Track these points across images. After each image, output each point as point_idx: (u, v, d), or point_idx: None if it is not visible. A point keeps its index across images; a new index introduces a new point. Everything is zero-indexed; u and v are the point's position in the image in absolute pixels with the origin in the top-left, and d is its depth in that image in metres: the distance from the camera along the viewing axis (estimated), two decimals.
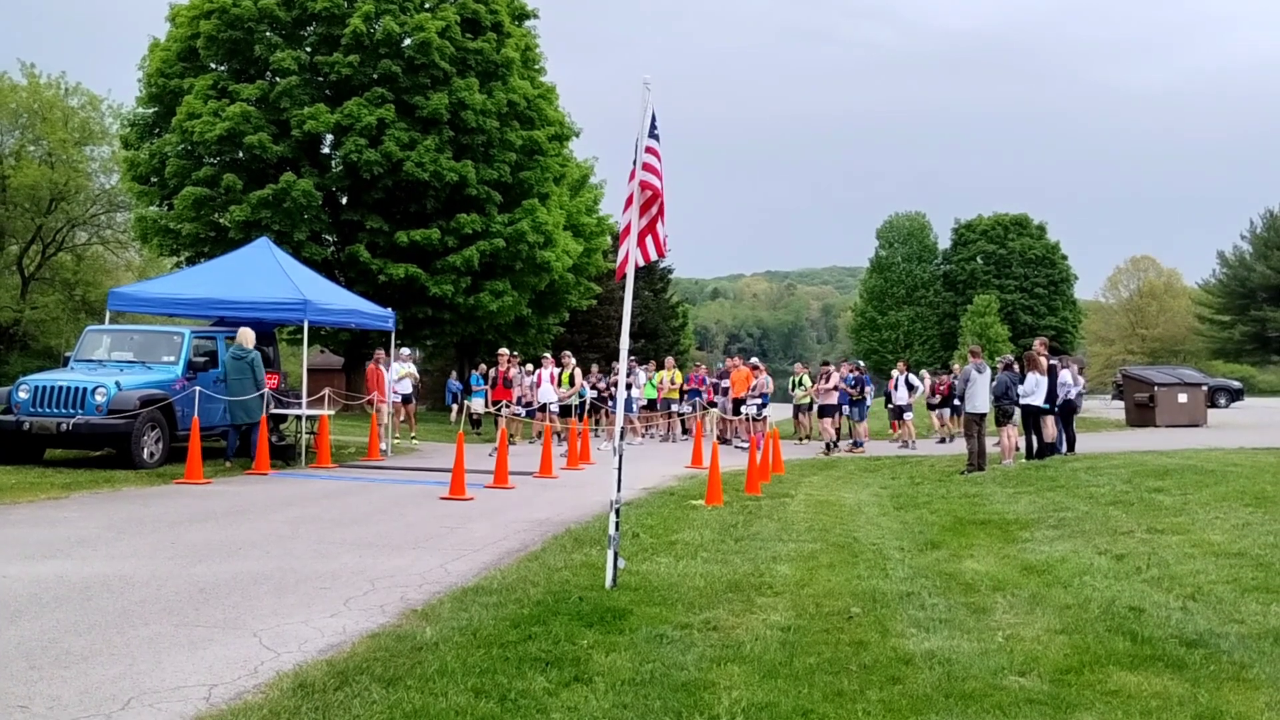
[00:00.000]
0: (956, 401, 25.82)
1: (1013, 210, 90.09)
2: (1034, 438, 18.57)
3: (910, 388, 25.56)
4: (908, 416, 24.90)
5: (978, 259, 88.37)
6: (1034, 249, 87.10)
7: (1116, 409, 37.91)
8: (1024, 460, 18.17)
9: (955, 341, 75.64)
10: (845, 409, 23.94)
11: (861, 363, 27.79)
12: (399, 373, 22.10)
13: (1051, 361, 18.96)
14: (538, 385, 22.67)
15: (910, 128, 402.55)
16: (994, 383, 17.86)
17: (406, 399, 23.28)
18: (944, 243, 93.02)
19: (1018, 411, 18.11)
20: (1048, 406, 18.30)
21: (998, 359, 19.36)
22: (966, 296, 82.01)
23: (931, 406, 27.06)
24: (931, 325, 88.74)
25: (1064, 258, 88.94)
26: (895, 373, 26.21)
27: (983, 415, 17.52)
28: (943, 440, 25.84)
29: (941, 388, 27.05)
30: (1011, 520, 11.38)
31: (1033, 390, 18.03)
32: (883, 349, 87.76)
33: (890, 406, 26.74)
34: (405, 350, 22.59)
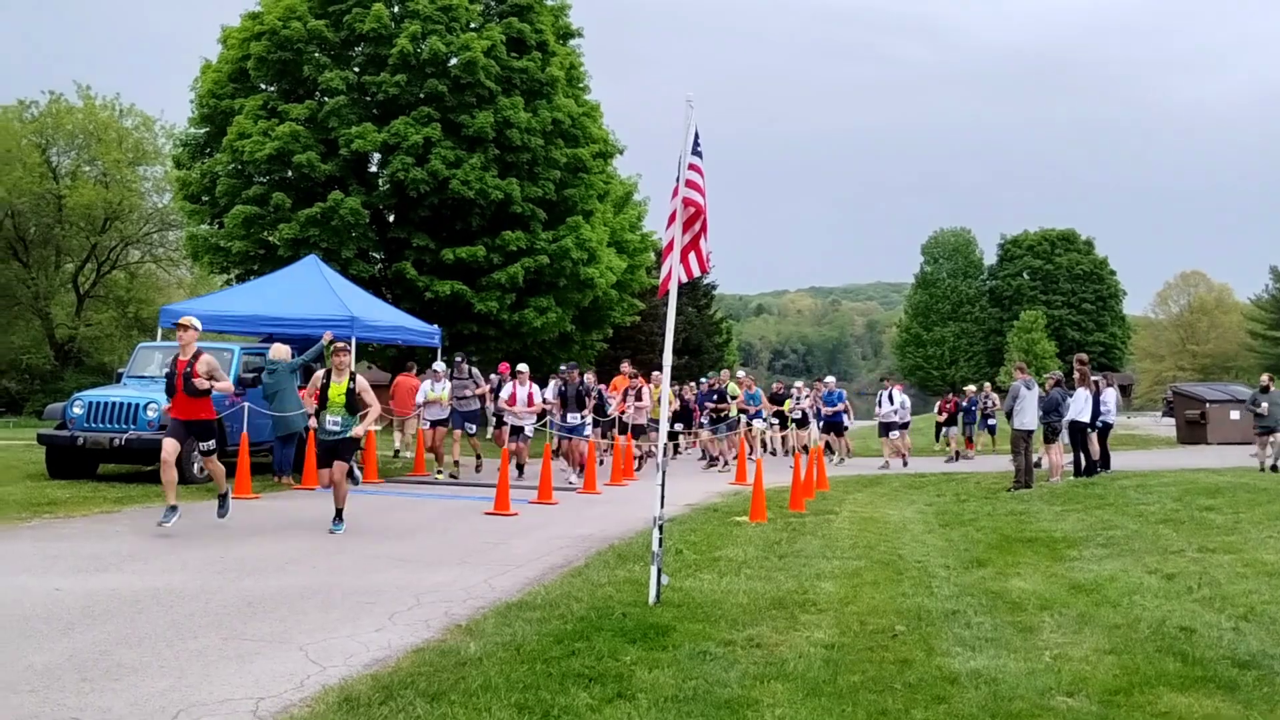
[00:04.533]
0: (995, 420, 25.75)
1: (1060, 225, 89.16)
2: (1081, 455, 18.36)
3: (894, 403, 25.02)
4: (893, 435, 24.35)
5: (1024, 274, 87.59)
6: (1081, 264, 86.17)
7: (1167, 426, 37.39)
8: (1071, 477, 17.96)
9: (1001, 358, 75.06)
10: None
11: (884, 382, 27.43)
12: (429, 394, 18.14)
13: (1094, 378, 18.78)
14: (511, 402, 17.99)
15: (955, 143, 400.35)
16: (1043, 399, 17.68)
17: (438, 423, 18.40)
18: (990, 258, 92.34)
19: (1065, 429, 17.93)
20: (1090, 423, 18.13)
21: (1045, 375, 19.18)
22: (1013, 312, 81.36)
23: (939, 425, 27.00)
24: (977, 341, 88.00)
25: (1112, 273, 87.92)
26: (882, 389, 25.67)
27: (1030, 432, 17.34)
28: (950, 459, 25.56)
29: (948, 405, 26.86)
30: (1059, 538, 11.26)
31: (1082, 407, 17.84)
32: (928, 365, 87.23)
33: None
34: (439, 366, 18.71)
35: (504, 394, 18.42)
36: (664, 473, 7.92)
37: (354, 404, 11.29)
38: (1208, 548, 10.24)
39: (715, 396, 23.81)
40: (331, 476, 11.36)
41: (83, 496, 13.01)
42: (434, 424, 18.38)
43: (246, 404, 15.30)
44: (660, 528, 7.66)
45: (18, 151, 44.49)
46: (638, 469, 20.23)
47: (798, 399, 25.99)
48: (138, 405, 14.60)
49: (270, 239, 28.62)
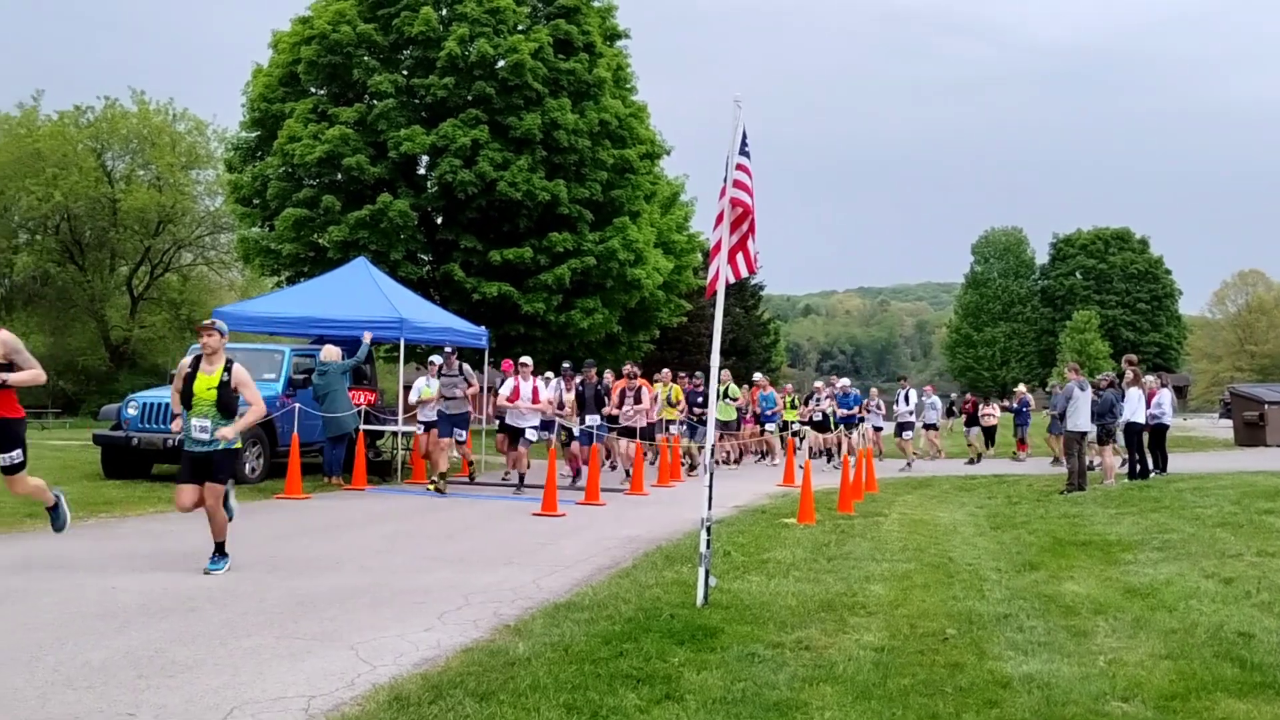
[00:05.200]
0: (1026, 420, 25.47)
1: (1113, 224, 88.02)
2: (1136, 457, 18.10)
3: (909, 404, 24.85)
4: (905, 435, 24.17)
5: (1077, 274, 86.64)
6: (1136, 264, 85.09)
7: (1224, 428, 36.78)
8: (1126, 480, 17.72)
9: (1053, 358, 74.24)
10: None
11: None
12: (423, 392, 16.46)
13: (1145, 379, 18.55)
14: (513, 398, 16.15)
15: (1006, 142, 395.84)
16: (1096, 401, 17.45)
17: (431, 425, 16.45)
18: (1041, 257, 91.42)
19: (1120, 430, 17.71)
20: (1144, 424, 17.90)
21: (1098, 376, 18.94)
22: (1065, 313, 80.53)
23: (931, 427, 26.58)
24: (1029, 342, 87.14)
25: (1168, 272, 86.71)
26: (899, 389, 25.50)
27: (1083, 434, 17.11)
28: (971, 461, 25.25)
29: (967, 406, 26.53)
30: (1113, 542, 11.09)
31: (1135, 408, 17.59)
32: (978, 366, 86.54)
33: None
34: (436, 359, 16.34)
35: (504, 390, 16.41)
36: (711, 474, 7.90)
37: (228, 402, 8.49)
38: (1267, 551, 10.05)
39: (701, 399, 21.18)
40: (202, 501, 8.58)
41: (137, 496, 13.20)
42: (427, 427, 16.54)
43: (297, 405, 15.46)
44: (708, 529, 7.64)
45: (74, 156, 45.29)
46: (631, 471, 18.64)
47: (817, 400, 24.95)
48: None
49: (320, 241, 28.92)
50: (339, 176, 28.77)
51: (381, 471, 16.97)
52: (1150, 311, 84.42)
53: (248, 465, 15.10)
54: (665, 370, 22.71)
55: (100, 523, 11.33)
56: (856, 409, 24.16)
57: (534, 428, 16.35)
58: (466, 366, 16.53)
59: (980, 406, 26.58)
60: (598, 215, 30.11)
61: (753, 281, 53.44)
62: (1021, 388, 28.38)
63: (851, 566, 9.39)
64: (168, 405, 14.97)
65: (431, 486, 15.31)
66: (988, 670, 5.95)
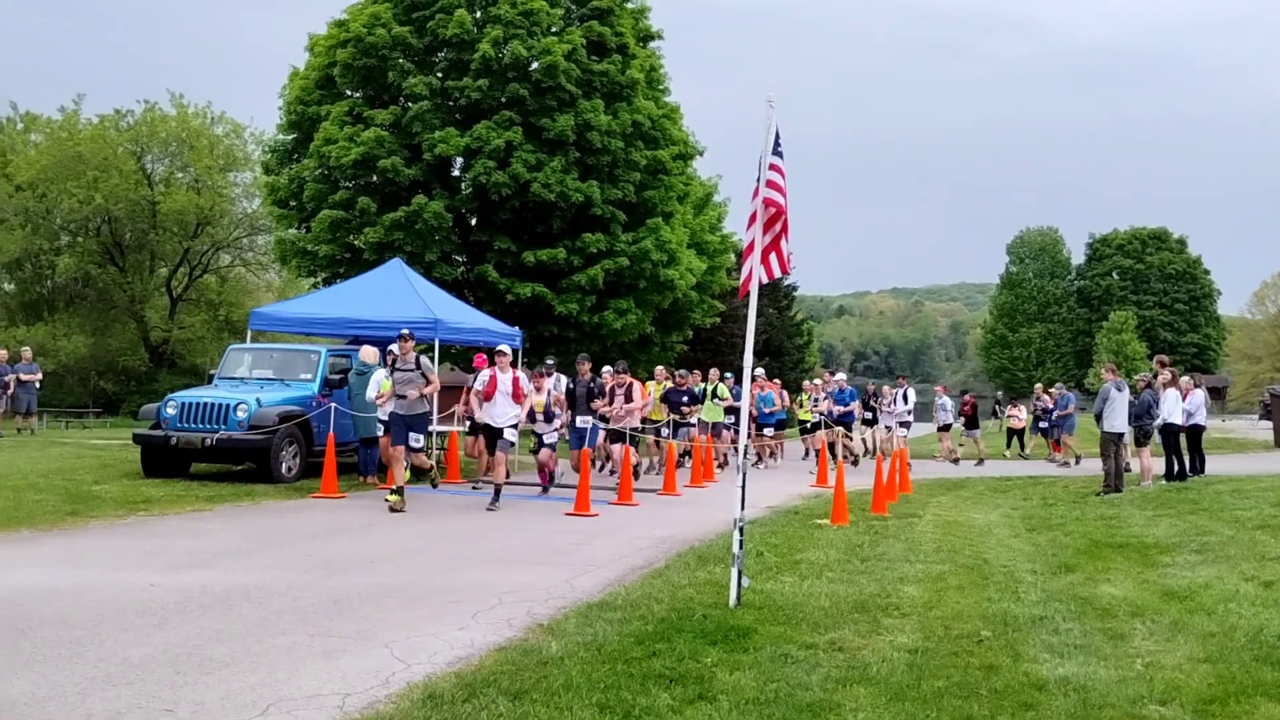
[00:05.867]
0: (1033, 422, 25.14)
1: (1150, 224, 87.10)
2: (1174, 459, 17.92)
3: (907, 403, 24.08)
4: (903, 434, 23.43)
5: (1114, 274, 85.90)
6: (1174, 264, 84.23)
7: (1264, 429, 36.31)
8: (1163, 482, 17.54)
9: (1090, 359, 73.64)
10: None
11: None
12: (382, 386, 14.17)
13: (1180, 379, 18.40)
14: (489, 393, 14.23)
15: (1042, 141, 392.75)
16: (1134, 402, 17.29)
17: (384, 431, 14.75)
18: (1078, 258, 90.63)
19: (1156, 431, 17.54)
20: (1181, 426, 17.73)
21: (1136, 377, 18.76)
22: (1101, 313, 79.87)
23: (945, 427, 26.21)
24: (1065, 342, 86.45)
25: (1206, 272, 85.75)
26: (894, 387, 24.63)
27: (1120, 435, 16.95)
28: (978, 463, 24.92)
29: (966, 408, 26.24)
30: (1150, 544, 10.99)
31: (1173, 409, 17.42)
32: (1013, 367, 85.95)
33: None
34: (394, 349, 14.02)
35: (478, 383, 14.58)
36: (744, 474, 7.89)
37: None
38: None
39: (686, 398, 19.83)
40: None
41: (176, 495, 13.34)
42: (387, 427, 14.39)
43: (333, 405, 15.57)
44: (741, 530, 7.63)
45: (114, 159, 45.82)
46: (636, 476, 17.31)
47: (815, 400, 23.67)
48: (228, 406, 14.93)
49: (356, 243, 29.08)
50: (374, 178, 28.91)
51: (416, 472, 17.04)
52: (1188, 312, 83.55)
53: (284, 464, 15.22)
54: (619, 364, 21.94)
55: (139, 521, 11.47)
56: (853, 404, 23.33)
57: (514, 427, 14.22)
58: (425, 360, 14.08)
59: (1007, 409, 26.33)
60: (631, 216, 30.10)
61: (786, 282, 53.24)
62: (1056, 389, 28.18)
63: (885, 568, 9.36)
64: (205, 405, 15.11)
65: (389, 503, 12.99)
66: (1023, 673, 5.92)
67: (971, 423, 26.25)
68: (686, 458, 19.74)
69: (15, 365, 23.78)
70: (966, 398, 27.21)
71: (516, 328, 20.97)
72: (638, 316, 30.80)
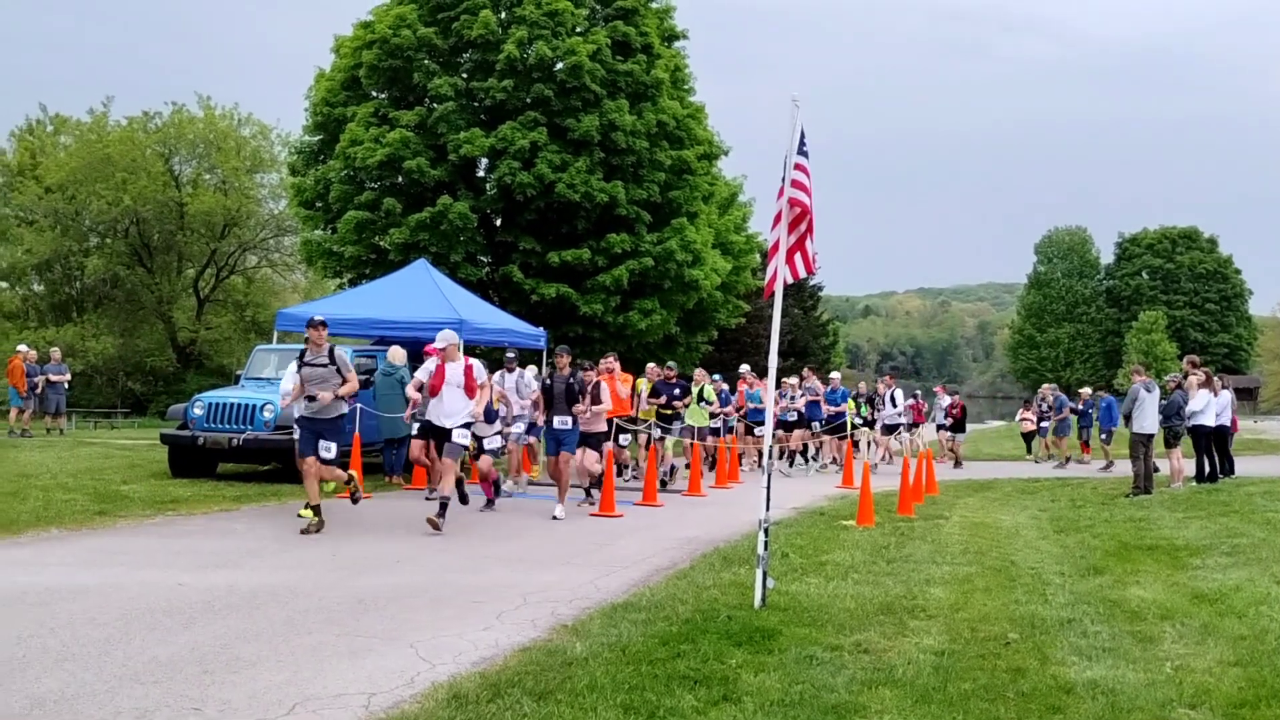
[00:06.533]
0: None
1: (1181, 223, 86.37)
2: (1205, 460, 17.75)
3: (894, 403, 23.53)
4: (891, 437, 23.33)
5: (1143, 274, 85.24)
6: (1204, 263, 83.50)
7: None
8: (1193, 483, 17.37)
9: (1119, 360, 73.09)
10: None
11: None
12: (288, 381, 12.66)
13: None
14: (435, 387, 12.06)
15: (1069, 141, 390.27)
16: (1164, 402, 17.14)
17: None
18: (1106, 257, 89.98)
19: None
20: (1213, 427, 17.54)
21: (1165, 378, 18.60)
22: (1131, 313, 79.29)
23: (941, 428, 25.97)
24: (1093, 343, 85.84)
25: (1237, 272, 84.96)
26: (881, 387, 24.07)
27: (1150, 436, 16.81)
28: (957, 464, 24.73)
29: (955, 410, 26.03)
30: (1181, 546, 10.88)
31: (1202, 410, 17.25)
32: (1041, 367, 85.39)
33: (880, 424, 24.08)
34: (398, 351, 14.58)
35: (422, 372, 12.57)
36: (769, 475, 7.86)
37: None
38: None
39: (678, 390, 18.71)
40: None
41: (203, 495, 13.42)
42: (422, 429, 13.02)
43: (359, 406, 15.62)
44: (766, 531, 7.61)
45: (143, 161, 46.17)
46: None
47: (791, 398, 21.99)
48: (255, 406, 15.01)
49: (381, 244, 29.18)
50: (400, 179, 29.01)
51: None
52: (1219, 312, 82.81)
53: None
54: (701, 370, 21.26)
55: (167, 520, 11.54)
56: (844, 405, 22.61)
57: (465, 426, 12.16)
58: (343, 354, 11.68)
59: (1019, 411, 26.10)
60: (655, 216, 30.09)
61: (811, 282, 53.09)
62: (1085, 390, 28.01)
63: (911, 569, 9.31)
64: (232, 405, 15.18)
65: (303, 520, 11.16)
66: (1050, 676, 5.87)
67: (958, 425, 25.99)
68: (685, 466, 17.95)
69: (45, 366, 24.02)
70: (955, 399, 27.00)
71: (541, 328, 21.01)
72: (663, 317, 30.78)
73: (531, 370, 17.01)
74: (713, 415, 20.31)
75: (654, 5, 31.86)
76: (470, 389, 12.06)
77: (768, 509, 7.69)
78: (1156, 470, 17.92)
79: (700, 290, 31.60)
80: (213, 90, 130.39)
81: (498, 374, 15.32)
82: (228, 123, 49.24)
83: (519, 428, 15.79)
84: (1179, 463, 17.49)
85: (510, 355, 16.10)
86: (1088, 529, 12.54)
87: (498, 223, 30.64)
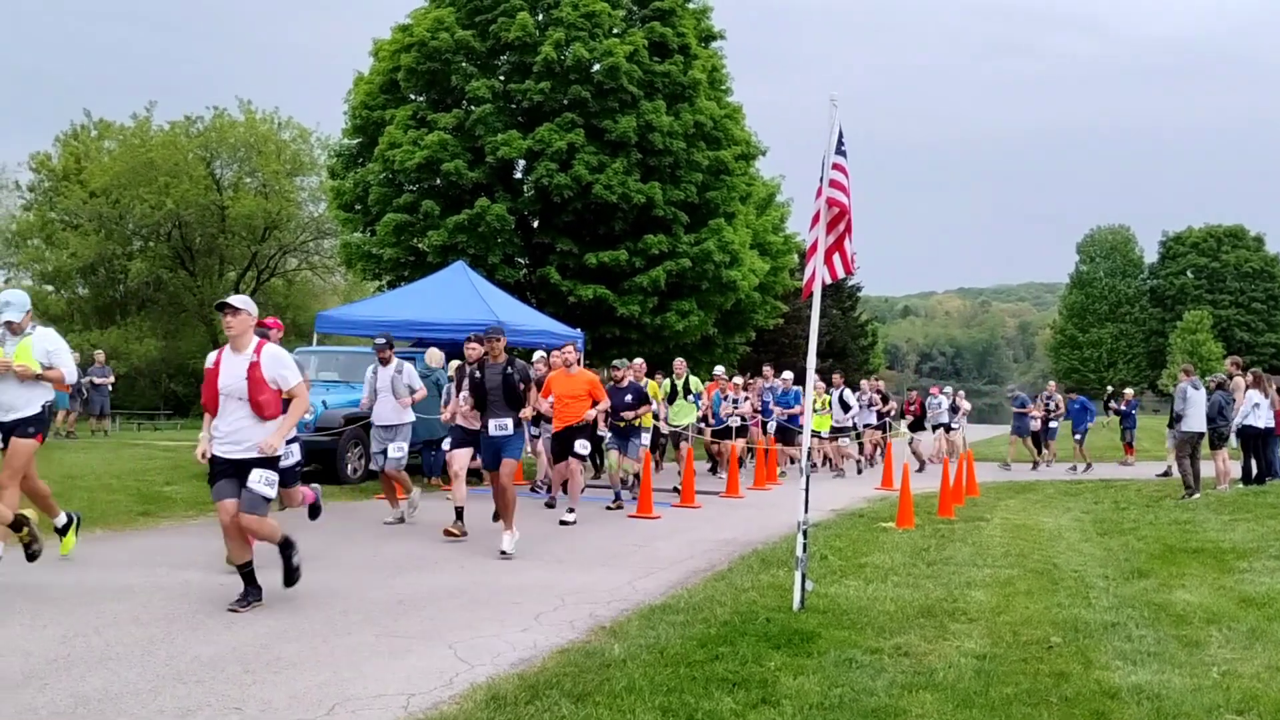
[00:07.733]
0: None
1: (1226, 221, 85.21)
2: (1253, 461, 17.48)
3: (845, 406, 23.22)
4: (843, 440, 22.96)
5: (1188, 273, 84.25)
6: (1250, 261, 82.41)
7: None
8: (1241, 485, 17.12)
9: (1163, 360, 72.27)
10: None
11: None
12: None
13: (1237, 379, 17.94)
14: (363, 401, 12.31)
15: (1112, 138, 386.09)
16: (1208, 403, 16.90)
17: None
18: (1150, 256, 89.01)
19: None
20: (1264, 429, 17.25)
21: (1209, 378, 18.35)
22: (1175, 313, 78.41)
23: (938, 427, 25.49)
24: (1137, 343, 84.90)
25: None
26: (834, 390, 23.45)
27: (1200, 435, 16.58)
28: (918, 469, 23.69)
29: (913, 407, 25.63)
30: (1227, 549, 10.72)
31: (1249, 411, 16.99)
32: (1084, 368, 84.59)
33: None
34: (436, 353, 14.17)
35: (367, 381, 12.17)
36: (808, 477, 7.82)
37: None
38: None
39: (630, 397, 14.68)
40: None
41: None
42: (462, 433, 11.73)
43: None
44: (805, 533, 7.56)
45: (185, 165, 46.68)
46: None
47: (735, 402, 20.42)
48: None
49: (420, 246, 29.33)
50: (438, 182, 29.14)
51: (480, 474, 17.12)
52: (1266, 311, 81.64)
53: (349, 466, 15.38)
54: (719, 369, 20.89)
55: (209, 521, 11.63)
56: (797, 408, 20.77)
57: (398, 442, 12.11)
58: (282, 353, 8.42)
59: (1029, 409, 25.65)
60: (693, 217, 30.05)
61: (850, 283, 52.84)
62: (1129, 391, 27.70)
63: (952, 572, 9.22)
64: None
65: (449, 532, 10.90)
66: (1094, 680, 5.79)
67: (918, 424, 25.55)
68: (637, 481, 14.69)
69: (89, 369, 24.33)
70: (913, 396, 26.68)
71: (579, 329, 21.02)
72: (700, 318, 30.74)
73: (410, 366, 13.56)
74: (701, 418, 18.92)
75: (691, 6, 31.82)
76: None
77: (806, 511, 7.65)
78: (1167, 474, 17.71)
79: (738, 291, 31.53)
80: (253, 94, 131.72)
81: (369, 369, 13.18)
82: (268, 126, 49.69)
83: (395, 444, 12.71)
84: (1225, 464, 17.24)
85: (380, 341, 13.22)
86: (1131, 531, 12.38)
87: (535, 224, 30.72)
